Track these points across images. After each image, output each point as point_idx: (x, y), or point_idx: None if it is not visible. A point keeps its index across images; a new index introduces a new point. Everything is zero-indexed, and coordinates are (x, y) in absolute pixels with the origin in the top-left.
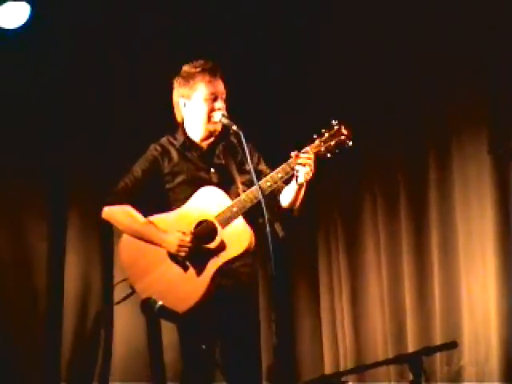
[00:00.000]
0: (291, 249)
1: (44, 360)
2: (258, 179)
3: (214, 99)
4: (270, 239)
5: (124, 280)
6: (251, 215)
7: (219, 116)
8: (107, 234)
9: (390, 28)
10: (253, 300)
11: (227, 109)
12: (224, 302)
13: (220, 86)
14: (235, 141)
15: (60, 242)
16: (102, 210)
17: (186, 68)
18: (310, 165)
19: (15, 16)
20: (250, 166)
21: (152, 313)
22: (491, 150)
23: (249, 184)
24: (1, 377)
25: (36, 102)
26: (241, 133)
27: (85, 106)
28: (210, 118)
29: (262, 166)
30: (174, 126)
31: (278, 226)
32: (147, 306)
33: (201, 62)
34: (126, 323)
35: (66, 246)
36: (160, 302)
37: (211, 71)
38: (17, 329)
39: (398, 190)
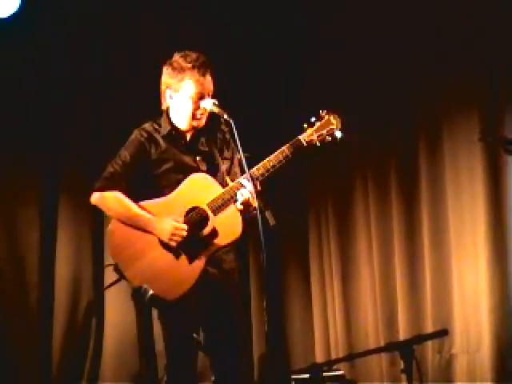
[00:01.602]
0: (282, 237)
1: (35, 348)
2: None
3: (201, 98)
4: (261, 227)
5: (113, 264)
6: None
7: (210, 105)
8: (98, 223)
9: (383, 16)
10: (237, 285)
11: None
12: (210, 289)
13: (208, 85)
14: (226, 129)
15: (51, 231)
16: (91, 195)
17: (177, 58)
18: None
19: (6, 4)
20: (240, 154)
21: (143, 301)
22: (482, 138)
23: (229, 172)
24: None
25: (28, 90)
26: (231, 121)
27: (78, 93)
28: (194, 115)
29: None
30: (158, 111)
31: (268, 214)
32: (138, 294)
33: (193, 56)
34: (117, 312)
35: (56, 234)
36: (151, 291)
37: (201, 69)
38: (8, 317)
39: (389, 177)
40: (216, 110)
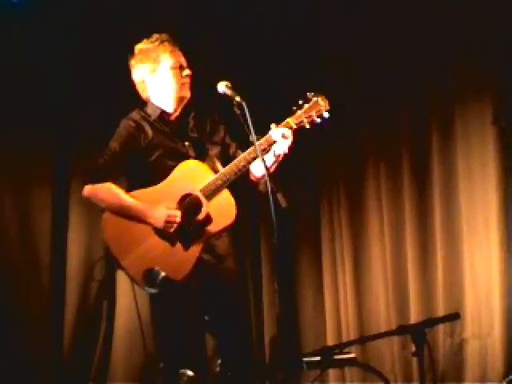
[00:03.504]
0: (294, 221)
1: (47, 331)
2: (227, 152)
3: (180, 67)
4: (272, 209)
5: (100, 259)
6: (239, 187)
7: (223, 87)
8: None
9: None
10: (232, 271)
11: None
12: (206, 276)
13: (181, 56)
14: (238, 111)
15: (63, 213)
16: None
17: (142, 46)
18: (289, 137)
19: None
20: (253, 137)
21: (155, 283)
22: (495, 121)
23: (219, 156)
24: (4, 348)
25: (41, 72)
26: (244, 103)
27: (91, 75)
28: (182, 85)
29: (228, 140)
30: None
31: (280, 197)
32: (149, 276)
33: (156, 36)
34: (129, 295)
35: (68, 217)
36: (163, 273)
37: (169, 42)
38: (20, 300)
39: (401, 162)
40: (229, 92)
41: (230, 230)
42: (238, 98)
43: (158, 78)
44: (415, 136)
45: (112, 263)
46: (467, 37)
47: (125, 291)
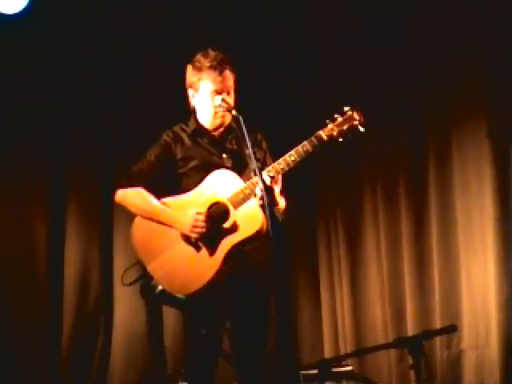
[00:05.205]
0: (291, 234)
1: (44, 344)
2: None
3: (221, 94)
4: (270, 223)
5: (135, 264)
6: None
7: (218, 101)
8: (107, 219)
9: (390, 20)
10: (264, 284)
11: (236, 99)
12: (235, 285)
13: (227, 82)
14: (235, 125)
15: (60, 227)
16: (115, 193)
17: (198, 57)
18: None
19: (14, 0)
20: (249, 151)
21: (152, 297)
22: (490, 134)
23: (260, 170)
24: (1, 360)
25: (36, 88)
26: (240, 117)
27: (86, 92)
28: (215, 113)
29: (269, 160)
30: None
31: (277, 210)
32: (147, 290)
33: (212, 54)
34: (126, 308)
35: (65, 230)
36: (160, 287)
37: (219, 67)
38: (17, 313)
39: (397, 177)
40: (225, 105)
41: (262, 240)
42: (234, 112)
43: (199, 97)
44: (412, 156)
45: (108, 275)
46: (461, 53)
47: (122, 305)
